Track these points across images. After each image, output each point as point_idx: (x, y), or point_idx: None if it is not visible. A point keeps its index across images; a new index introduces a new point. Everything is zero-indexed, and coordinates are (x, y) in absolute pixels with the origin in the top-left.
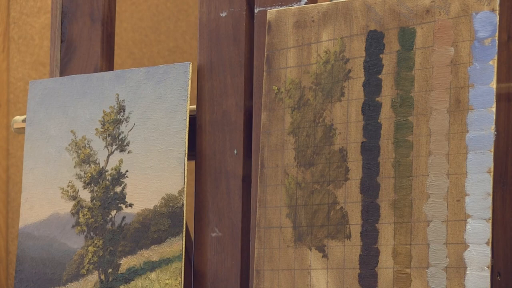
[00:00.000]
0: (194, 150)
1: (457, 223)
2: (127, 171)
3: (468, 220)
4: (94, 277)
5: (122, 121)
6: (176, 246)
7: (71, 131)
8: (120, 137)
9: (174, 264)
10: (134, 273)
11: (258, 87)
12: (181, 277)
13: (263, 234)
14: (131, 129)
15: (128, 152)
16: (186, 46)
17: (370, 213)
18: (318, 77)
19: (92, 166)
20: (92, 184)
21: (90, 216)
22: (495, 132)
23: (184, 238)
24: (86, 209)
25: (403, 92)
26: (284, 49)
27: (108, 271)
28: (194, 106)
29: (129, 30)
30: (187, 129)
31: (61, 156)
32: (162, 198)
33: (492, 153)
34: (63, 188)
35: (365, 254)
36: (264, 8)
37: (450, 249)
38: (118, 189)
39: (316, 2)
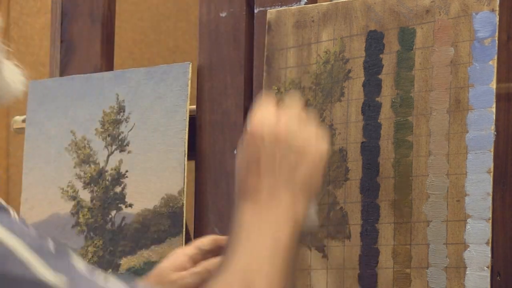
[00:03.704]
0: (194, 150)
1: (457, 223)
2: (127, 171)
3: (468, 220)
4: None
5: (122, 121)
6: (176, 246)
7: (71, 131)
8: (120, 137)
9: None
10: (134, 273)
11: (258, 87)
12: None
13: None
14: (131, 129)
15: (128, 152)
16: (186, 46)
17: (370, 213)
18: (318, 77)
19: (92, 166)
20: (92, 184)
21: (90, 216)
22: (495, 132)
23: (184, 238)
24: (86, 209)
25: (403, 92)
26: (284, 49)
27: (108, 271)
28: (194, 106)
29: (129, 30)
30: (187, 129)
31: (61, 156)
32: (162, 198)
33: (492, 153)
34: (63, 188)
35: (365, 254)
36: (264, 8)
37: (450, 249)
38: (118, 189)
39: (316, 2)
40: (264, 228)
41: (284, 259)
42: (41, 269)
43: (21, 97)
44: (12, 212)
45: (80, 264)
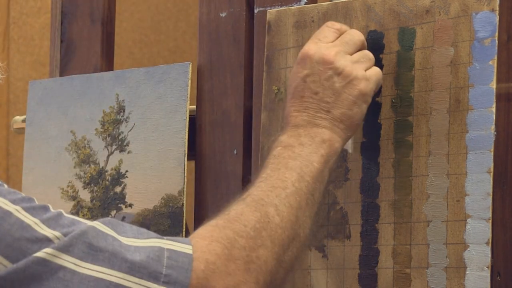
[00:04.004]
0: (194, 150)
1: (457, 223)
2: (127, 171)
3: (468, 220)
4: None
5: (122, 121)
6: None
7: (71, 131)
8: (120, 137)
9: None
10: None
11: (258, 87)
12: None
13: None
14: (131, 129)
15: (128, 152)
16: (186, 46)
17: (370, 213)
18: None
19: (92, 166)
20: (92, 184)
21: (90, 216)
22: (495, 132)
23: None
24: (86, 209)
25: (403, 92)
26: (284, 49)
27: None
28: (194, 106)
29: (129, 30)
30: (187, 129)
31: (61, 156)
32: (162, 198)
33: (492, 153)
34: (63, 188)
35: (365, 254)
36: (264, 8)
37: (450, 249)
38: (118, 189)
39: (316, 2)
40: (295, 161)
41: (308, 192)
42: (37, 227)
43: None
44: None
45: (66, 214)
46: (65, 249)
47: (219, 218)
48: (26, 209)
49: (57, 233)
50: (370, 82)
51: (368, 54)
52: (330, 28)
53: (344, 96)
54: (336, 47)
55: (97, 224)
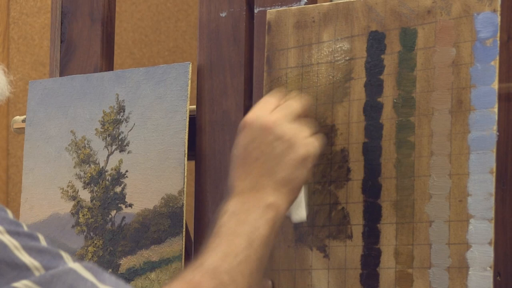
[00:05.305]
0: (194, 150)
1: (459, 223)
2: (127, 171)
3: (470, 221)
4: None
5: (122, 121)
6: (176, 246)
7: (71, 131)
8: (120, 137)
9: (174, 264)
10: (134, 273)
11: (258, 87)
12: None
13: None
14: (131, 129)
15: (128, 152)
16: (186, 46)
17: (372, 213)
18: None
19: (92, 166)
20: (92, 184)
21: (90, 216)
22: (497, 133)
23: (184, 238)
24: (86, 209)
25: (405, 92)
26: (284, 49)
27: (108, 271)
28: (194, 106)
29: (129, 30)
30: (187, 129)
31: (61, 156)
32: (162, 198)
33: (494, 154)
34: (63, 188)
35: (366, 254)
36: (264, 8)
37: (452, 249)
38: (118, 189)
39: (316, 2)
40: (242, 227)
41: (257, 258)
42: (18, 252)
43: (3, 102)
44: None
45: (51, 247)
46: (45, 285)
47: (181, 285)
48: (10, 232)
49: (37, 263)
50: (311, 147)
51: (307, 123)
52: (271, 98)
53: (285, 160)
54: (276, 114)
55: (78, 267)
